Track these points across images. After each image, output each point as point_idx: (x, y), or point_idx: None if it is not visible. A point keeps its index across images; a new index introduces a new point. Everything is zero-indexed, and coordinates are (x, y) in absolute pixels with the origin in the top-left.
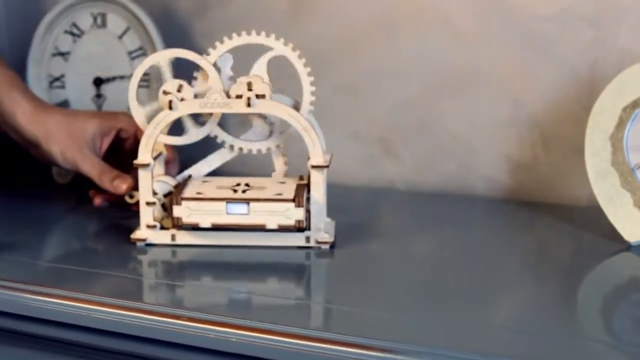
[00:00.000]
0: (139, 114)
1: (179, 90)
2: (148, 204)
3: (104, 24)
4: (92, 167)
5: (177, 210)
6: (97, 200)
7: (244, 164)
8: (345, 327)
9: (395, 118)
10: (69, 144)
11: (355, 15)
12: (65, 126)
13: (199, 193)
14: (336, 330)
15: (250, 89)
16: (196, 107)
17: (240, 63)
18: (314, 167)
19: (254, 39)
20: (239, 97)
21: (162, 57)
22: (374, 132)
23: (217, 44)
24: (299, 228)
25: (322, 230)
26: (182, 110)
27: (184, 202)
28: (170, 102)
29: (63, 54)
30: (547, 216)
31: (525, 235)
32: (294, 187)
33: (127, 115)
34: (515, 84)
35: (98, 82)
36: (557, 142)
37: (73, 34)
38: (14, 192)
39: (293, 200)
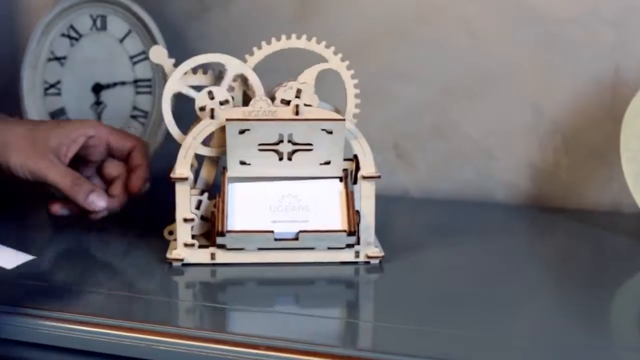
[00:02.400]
0: (175, 127)
1: (211, 98)
2: (186, 220)
3: (103, 27)
4: (62, 176)
5: (221, 240)
6: (55, 207)
7: None
8: (399, 347)
9: (409, 123)
10: (32, 152)
11: (366, 17)
12: (27, 135)
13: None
14: (387, 350)
15: (297, 96)
16: (239, 116)
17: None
18: (365, 177)
19: (293, 43)
20: (285, 104)
21: (196, 63)
22: (387, 137)
23: (258, 47)
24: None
25: (372, 244)
26: (224, 119)
27: (228, 234)
28: (212, 110)
29: (59, 59)
30: (572, 222)
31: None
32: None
33: (96, 121)
34: (536, 88)
35: (97, 88)
36: (579, 147)
37: (70, 37)
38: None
39: (345, 231)
